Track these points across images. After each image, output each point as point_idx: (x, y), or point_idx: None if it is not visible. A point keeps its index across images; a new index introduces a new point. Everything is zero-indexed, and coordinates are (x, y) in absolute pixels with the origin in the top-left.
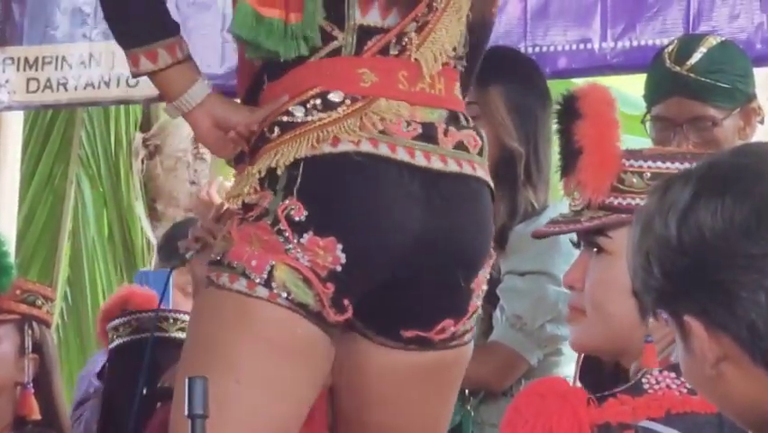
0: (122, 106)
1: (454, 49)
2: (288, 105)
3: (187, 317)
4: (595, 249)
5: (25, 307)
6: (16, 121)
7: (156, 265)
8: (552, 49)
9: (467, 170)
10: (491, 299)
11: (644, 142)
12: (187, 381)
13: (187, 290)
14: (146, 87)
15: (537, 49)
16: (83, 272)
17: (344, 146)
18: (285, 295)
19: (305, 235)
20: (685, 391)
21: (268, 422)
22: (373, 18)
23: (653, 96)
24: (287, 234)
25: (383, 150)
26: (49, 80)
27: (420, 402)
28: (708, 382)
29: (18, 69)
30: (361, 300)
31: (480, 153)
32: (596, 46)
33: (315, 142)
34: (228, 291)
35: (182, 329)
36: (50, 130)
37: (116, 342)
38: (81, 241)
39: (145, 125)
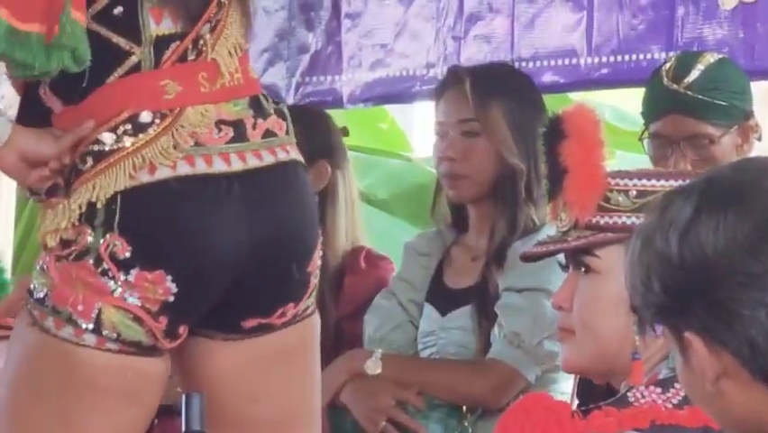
0: None
1: (245, 39)
2: (96, 132)
3: None
4: (583, 269)
5: None
6: None
7: None
8: (537, 64)
9: (281, 156)
10: (489, 316)
11: (640, 159)
12: (183, 397)
13: None
14: None
15: (524, 64)
16: None
17: (162, 172)
18: (115, 336)
19: (131, 272)
20: (671, 406)
21: None
22: (167, 26)
23: (650, 113)
24: (111, 273)
25: (200, 167)
26: None
27: (285, 386)
28: (707, 397)
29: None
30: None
31: (288, 133)
32: (581, 61)
33: (133, 171)
34: (54, 338)
35: None
36: None
37: None
38: None
39: None
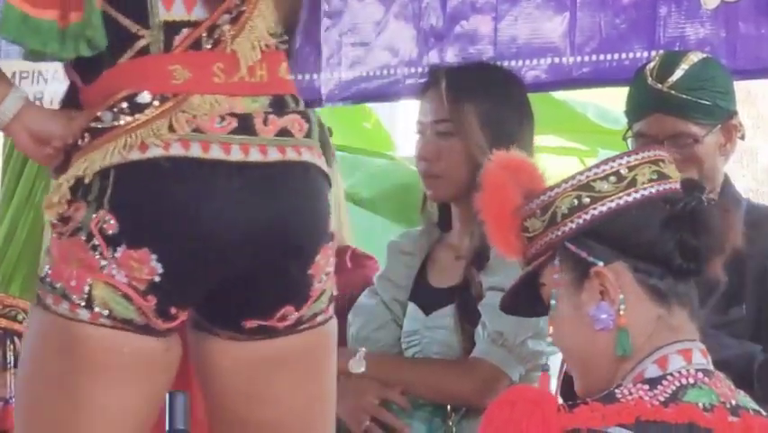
0: None
1: (272, 34)
2: (98, 110)
3: None
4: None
5: (6, 321)
6: None
7: None
8: (520, 63)
9: (291, 156)
10: (473, 316)
11: None
12: (168, 396)
13: None
14: None
15: (506, 63)
16: None
17: (153, 151)
18: (107, 313)
19: (118, 249)
20: (657, 403)
21: None
22: (178, 12)
23: (634, 112)
24: (101, 249)
25: (195, 151)
26: None
27: (288, 392)
28: None
29: None
30: (198, 301)
31: (309, 136)
32: (564, 60)
33: (123, 149)
34: (53, 314)
35: None
36: None
37: None
38: None
39: None
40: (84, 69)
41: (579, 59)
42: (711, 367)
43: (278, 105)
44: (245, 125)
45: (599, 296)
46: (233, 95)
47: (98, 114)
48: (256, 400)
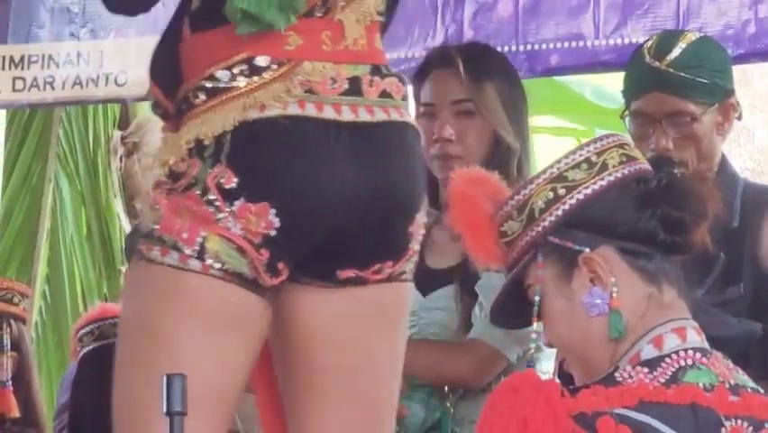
0: (99, 104)
1: (378, 11)
2: (212, 68)
3: None
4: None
5: (2, 304)
6: None
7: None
8: (544, 46)
9: (394, 116)
10: (470, 296)
11: None
12: (165, 378)
13: None
14: (134, 86)
15: (529, 47)
16: (61, 270)
17: (272, 111)
18: (218, 266)
19: (236, 203)
20: (658, 384)
21: (204, 394)
22: None
23: (632, 91)
24: (217, 203)
25: (310, 110)
26: (35, 79)
27: (364, 341)
28: None
29: (3, 68)
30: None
31: (404, 98)
32: (588, 44)
33: (243, 110)
34: (160, 265)
35: None
36: (28, 128)
37: (82, 352)
38: (59, 239)
39: (123, 123)
40: (198, 19)
41: (603, 42)
42: (707, 346)
43: (377, 72)
44: (354, 87)
45: (590, 283)
46: (339, 62)
47: (213, 72)
48: (333, 346)
